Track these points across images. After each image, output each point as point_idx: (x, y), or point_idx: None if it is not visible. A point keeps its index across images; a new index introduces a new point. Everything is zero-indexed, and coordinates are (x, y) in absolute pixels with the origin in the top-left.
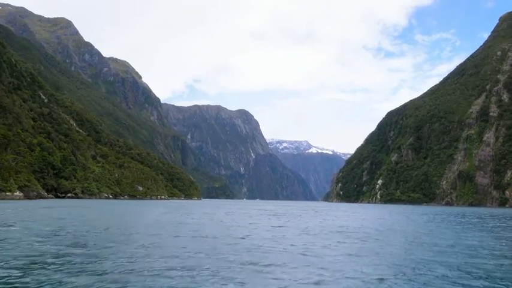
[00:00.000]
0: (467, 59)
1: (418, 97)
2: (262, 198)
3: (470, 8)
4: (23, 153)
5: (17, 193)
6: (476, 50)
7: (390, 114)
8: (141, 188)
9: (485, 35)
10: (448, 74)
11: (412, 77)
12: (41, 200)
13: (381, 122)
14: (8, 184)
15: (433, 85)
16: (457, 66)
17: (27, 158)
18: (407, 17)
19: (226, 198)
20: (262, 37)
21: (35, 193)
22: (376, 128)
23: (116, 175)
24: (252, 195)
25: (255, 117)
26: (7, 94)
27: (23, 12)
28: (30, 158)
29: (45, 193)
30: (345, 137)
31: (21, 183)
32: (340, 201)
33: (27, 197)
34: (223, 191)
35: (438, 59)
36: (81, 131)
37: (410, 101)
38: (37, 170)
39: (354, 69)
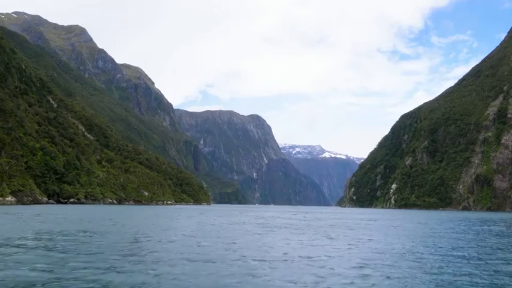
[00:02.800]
0: (483, 60)
1: (433, 99)
2: (275, 203)
3: (487, 9)
4: (18, 156)
5: (9, 198)
6: (493, 51)
7: (404, 117)
8: (146, 193)
9: (503, 36)
10: (464, 76)
11: (428, 79)
12: (32, 206)
13: (395, 125)
14: (0, 189)
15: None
16: (473, 68)
17: (29, 162)
18: (423, 18)
19: (239, 204)
20: (274, 41)
21: (29, 198)
22: (389, 132)
23: (121, 180)
24: (264, 200)
25: (267, 122)
26: (12, 98)
27: (38, 21)
28: (32, 163)
29: (45, 198)
30: (358, 141)
31: (14, 187)
32: (353, 206)
33: (20, 202)
34: (235, 196)
35: (455, 61)
36: (90, 135)
37: (425, 103)
38: (39, 175)
39: (367, 72)
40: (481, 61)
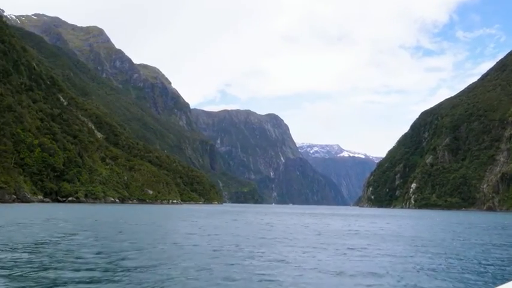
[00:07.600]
0: (509, 53)
1: (455, 95)
2: (292, 203)
3: None
4: (4, 153)
5: None
6: None
7: (424, 114)
8: (151, 192)
9: None
10: (488, 70)
11: (452, 76)
12: (11, 205)
13: (415, 122)
14: None
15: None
16: (498, 62)
17: (26, 159)
18: (448, 12)
19: (255, 203)
20: (294, 40)
21: (13, 196)
22: (409, 129)
23: (125, 178)
24: (282, 200)
25: (284, 121)
26: (14, 94)
27: (57, 22)
28: (28, 160)
29: (40, 196)
30: (378, 140)
31: None
32: (371, 206)
33: (1, 200)
34: (251, 196)
35: (481, 57)
36: (99, 133)
37: (446, 99)
38: (35, 172)
39: (389, 69)
40: (507, 54)
